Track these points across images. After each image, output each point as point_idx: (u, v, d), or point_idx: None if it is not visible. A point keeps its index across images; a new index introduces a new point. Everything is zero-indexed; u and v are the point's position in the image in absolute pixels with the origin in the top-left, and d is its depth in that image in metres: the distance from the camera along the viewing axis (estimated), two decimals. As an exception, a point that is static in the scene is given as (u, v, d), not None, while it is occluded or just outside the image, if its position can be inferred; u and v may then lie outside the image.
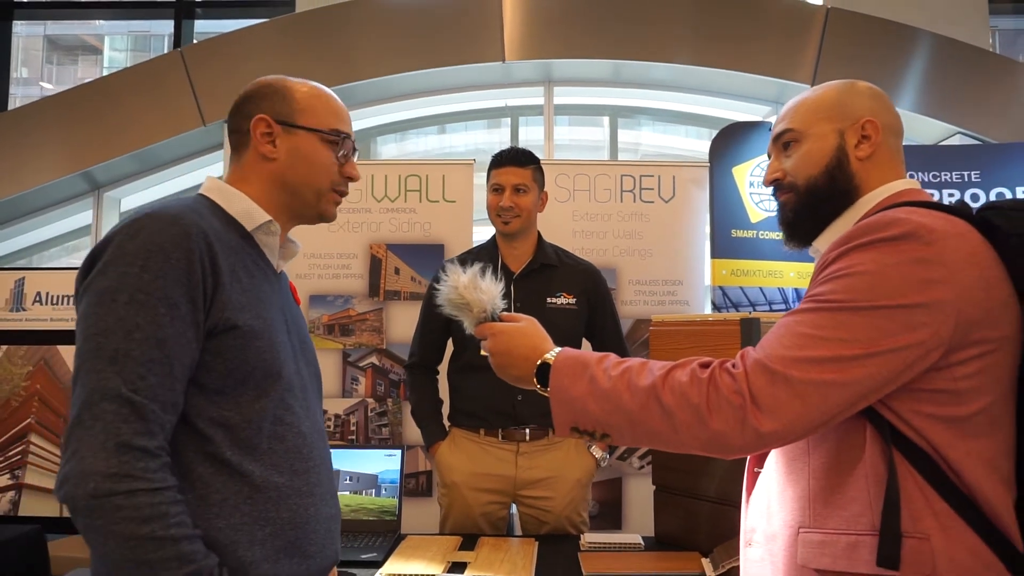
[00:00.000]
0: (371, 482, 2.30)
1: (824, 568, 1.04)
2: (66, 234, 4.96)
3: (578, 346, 2.42)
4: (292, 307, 1.36)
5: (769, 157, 1.30)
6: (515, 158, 2.38)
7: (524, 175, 2.36)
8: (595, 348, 2.42)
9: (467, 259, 2.47)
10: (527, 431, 2.34)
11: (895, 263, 1.00)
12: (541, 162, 2.47)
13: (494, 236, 2.48)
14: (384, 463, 2.33)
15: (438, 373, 2.54)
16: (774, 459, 1.17)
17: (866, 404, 1.02)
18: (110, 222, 4.63)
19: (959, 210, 1.07)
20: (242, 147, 1.30)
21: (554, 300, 2.38)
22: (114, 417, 1.01)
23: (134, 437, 1.01)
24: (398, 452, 2.34)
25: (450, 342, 2.48)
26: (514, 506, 2.44)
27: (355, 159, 1.36)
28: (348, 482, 2.30)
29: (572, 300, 2.40)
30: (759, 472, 1.21)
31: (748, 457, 1.25)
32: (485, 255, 2.44)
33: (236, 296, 1.16)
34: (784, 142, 1.26)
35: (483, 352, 1.24)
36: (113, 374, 1.02)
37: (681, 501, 2.14)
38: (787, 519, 1.11)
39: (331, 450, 2.34)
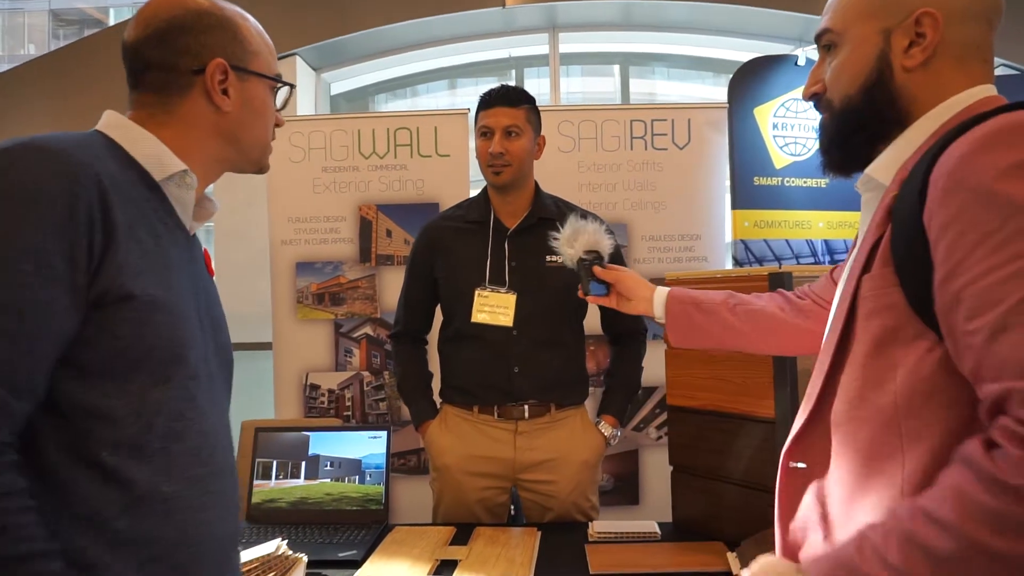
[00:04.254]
0: (354, 468, 2.06)
1: None
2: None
3: (581, 311, 2.15)
4: (206, 279, 1.11)
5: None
6: (505, 96, 2.08)
7: (516, 115, 2.07)
8: (602, 312, 2.14)
9: (456, 213, 2.22)
10: (525, 408, 2.06)
11: None
12: (543, 109, 2.17)
13: (485, 188, 2.19)
14: (369, 446, 2.08)
15: (427, 343, 2.28)
16: (839, 460, 0.90)
17: None
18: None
19: None
20: (173, 89, 1.04)
21: (554, 258, 2.08)
22: None
23: None
24: (383, 434, 2.09)
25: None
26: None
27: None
28: (329, 468, 2.06)
29: (576, 258, 2.12)
30: (796, 467, 0.95)
31: (783, 450, 0.98)
32: (475, 210, 2.16)
33: (134, 259, 0.92)
34: (824, 44, 1.03)
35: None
36: None
37: (702, 484, 1.87)
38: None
39: (310, 433, 2.15)
